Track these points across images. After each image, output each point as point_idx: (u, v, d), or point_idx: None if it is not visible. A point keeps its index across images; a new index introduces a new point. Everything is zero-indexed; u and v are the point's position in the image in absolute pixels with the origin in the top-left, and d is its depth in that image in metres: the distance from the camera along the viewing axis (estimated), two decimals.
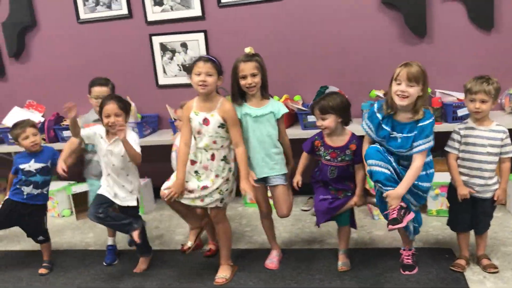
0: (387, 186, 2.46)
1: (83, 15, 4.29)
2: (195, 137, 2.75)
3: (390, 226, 2.44)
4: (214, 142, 2.69)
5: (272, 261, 2.98)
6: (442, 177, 3.16)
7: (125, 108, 2.83)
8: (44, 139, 4.26)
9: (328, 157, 2.73)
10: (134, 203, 2.99)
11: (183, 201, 2.76)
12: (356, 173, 2.75)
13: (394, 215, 2.43)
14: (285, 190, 2.85)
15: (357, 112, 3.75)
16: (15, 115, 4.52)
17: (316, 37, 3.91)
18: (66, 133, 4.17)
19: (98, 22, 4.27)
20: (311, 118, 3.59)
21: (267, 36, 3.97)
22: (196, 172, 2.75)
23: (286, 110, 2.84)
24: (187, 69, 2.80)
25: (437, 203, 3.47)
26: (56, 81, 4.50)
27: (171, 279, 2.91)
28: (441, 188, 3.36)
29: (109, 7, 4.22)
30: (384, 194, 2.47)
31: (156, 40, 4.21)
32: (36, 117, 4.53)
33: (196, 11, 4.06)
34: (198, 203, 2.76)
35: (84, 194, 3.86)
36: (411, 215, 2.50)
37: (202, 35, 4.10)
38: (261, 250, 3.17)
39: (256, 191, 2.78)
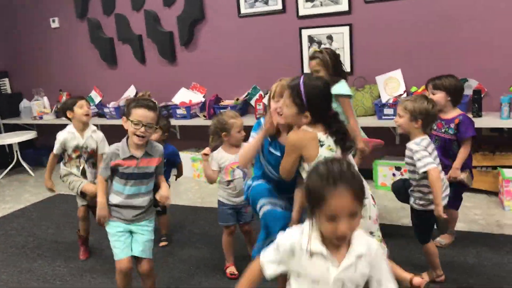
0: None
1: (243, 10, 4.91)
2: None
3: None
4: None
5: None
6: None
7: None
8: (204, 116, 5.01)
9: (435, 127, 2.99)
10: None
11: None
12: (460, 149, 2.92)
13: None
14: None
15: (496, 106, 3.85)
16: (182, 94, 5.36)
17: (459, 32, 4.04)
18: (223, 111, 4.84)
19: (256, 16, 4.86)
20: None
21: (411, 30, 4.21)
22: None
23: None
24: None
25: None
26: (217, 67, 5.21)
27: None
28: None
29: (266, 3, 4.78)
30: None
31: (305, 33, 4.68)
32: (198, 97, 5.32)
33: (343, 6, 4.43)
34: None
35: None
36: None
37: (347, 28, 4.47)
38: None
39: None
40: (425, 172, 2.46)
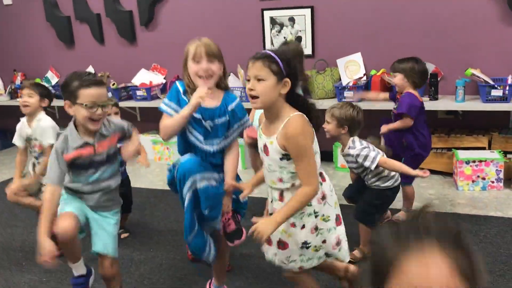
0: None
1: None
2: None
3: (237, 241, 2.24)
4: (280, 180, 1.93)
5: None
6: None
7: None
8: None
9: (395, 106, 3.16)
10: None
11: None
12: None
13: (233, 225, 2.25)
14: None
15: (452, 89, 3.95)
16: (142, 76, 5.26)
17: (417, 16, 4.11)
18: None
19: None
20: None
21: (370, 14, 4.25)
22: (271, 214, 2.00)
23: None
24: None
25: None
26: (178, 47, 5.02)
27: None
28: None
29: None
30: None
31: (267, 14, 4.66)
32: (159, 78, 5.23)
33: None
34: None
35: None
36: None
37: (308, 10, 4.48)
38: None
39: None
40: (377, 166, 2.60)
